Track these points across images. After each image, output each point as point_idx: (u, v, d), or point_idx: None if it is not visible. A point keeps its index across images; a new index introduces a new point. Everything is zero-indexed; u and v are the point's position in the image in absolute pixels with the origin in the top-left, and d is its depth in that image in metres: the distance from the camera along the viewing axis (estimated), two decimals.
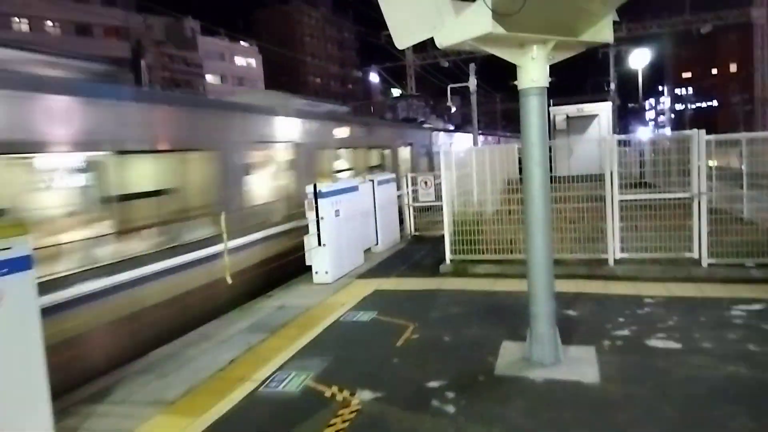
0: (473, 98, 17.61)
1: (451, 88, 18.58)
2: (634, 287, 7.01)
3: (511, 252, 8.23)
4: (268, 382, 4.75)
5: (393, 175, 11.56)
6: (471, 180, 10.10)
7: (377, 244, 10.61)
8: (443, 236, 8.61)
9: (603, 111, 22.27)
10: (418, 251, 10.37)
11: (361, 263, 9.42)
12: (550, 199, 4.79)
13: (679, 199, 7.66)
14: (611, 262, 7.79)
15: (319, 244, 8.24)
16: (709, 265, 7.38)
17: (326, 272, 8.27)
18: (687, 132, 7.76)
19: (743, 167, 8.12)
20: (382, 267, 9.32)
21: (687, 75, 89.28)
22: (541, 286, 4.78)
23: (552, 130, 23.01)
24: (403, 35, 4.52)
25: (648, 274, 7.49)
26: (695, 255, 7.54)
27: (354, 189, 9.25)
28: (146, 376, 5.10)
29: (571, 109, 22.56)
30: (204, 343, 5.95)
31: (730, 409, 3.80)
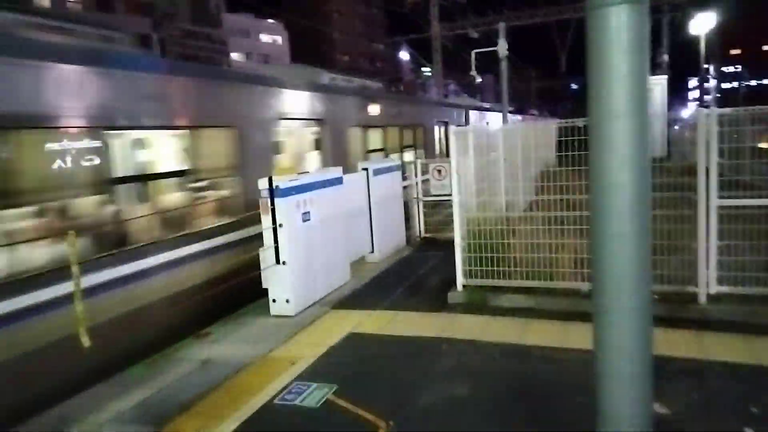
0: (503, 65, 14.80)
1: (476, 53, 15.79)
2: (747, 344, 4.44)
3: (552, 277, 5.70)
4: None
5: (396, 162, 9.06)
6: (497, 170, 7.56)
7: (372, 251, 8.19)
8: None
9: (657, 86, 19.10)
10: (424, 262, 7.90)
11: (344, 282, 7.01)
12: (649, 198, 2.28)
13: None
14: (703, 298, 5.21)
15: (278, 261, 5.87)
16: None
17: (287, 301, 5.90)
18: None
19: None
20: (371, 288, 6.89)
21: (735, 51, 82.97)
22: (627, 358, 2.31)
23: None
24: None
25: (763, 320, 4.88)
26: None
27: (334, 182, 6.81)
28: None
29: None
30: None
31: None
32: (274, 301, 5.95)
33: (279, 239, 5.81)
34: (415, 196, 9.55)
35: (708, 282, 5.21)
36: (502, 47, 14.55)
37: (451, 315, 5.63)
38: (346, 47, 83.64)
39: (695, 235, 5.19)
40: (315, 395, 4.03)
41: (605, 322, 2.38)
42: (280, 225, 5.78)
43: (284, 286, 5.89)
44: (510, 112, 17.90)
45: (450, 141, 6.05)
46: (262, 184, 5.78)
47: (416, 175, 9.55)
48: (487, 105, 25.40)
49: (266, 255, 5.88)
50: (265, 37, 74.94)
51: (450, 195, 9.40)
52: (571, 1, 29.65)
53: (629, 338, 2.32)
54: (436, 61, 31.04)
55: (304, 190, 6.10)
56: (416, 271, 7.48)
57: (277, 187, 5.72)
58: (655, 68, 25.37)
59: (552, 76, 62.60)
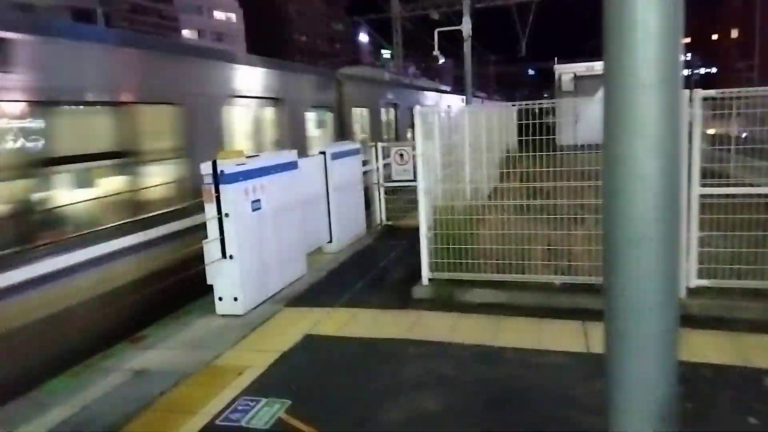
0: (467, 46, 14.33)
1: (439, 32, 15.23)
2: (732, 342, 4.16)
3: (524, 270, 5.31)
4: None
5: (357, 145, 8.50)
6: (461, 154, 7.12)
7: (331, 241, 7.64)
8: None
9: None
10: (386, 252, 7.41)
11: (300, 275, 6.46)
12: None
13: None
14: (682, 292, 4.92)
15: (224, 255, 5.25)
16: None
17: (235, 299, 5.31)
18: None
19: None
20: (329, 282, 6.36)
21: (686, 40, 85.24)
22: (649, 369, 1.87)
23: (556, 92, 19.93)
24: None
25: (745, 315, 4.63)
26: None
27: (288, 167, 6.21)
28: None
29: (580, 68, 19.39)
30: None
31: None
32: (220, 299, 5.34)
33: (225, 230, 5.19)
34: (376, 181, 9.03)
35: (687, 275, 4.92)
36: (466, 26, 14.08)
37: (416, 312, 5.16)
38: (304, 27, 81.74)
39: None
40: (264, 413, 3.49)
41: (626, 331, 1.90)
42: (226, 215, 5.16)
43: (232, 282, 5.29)
44: (476, 96, 17.46)
45: (415, 123, 5.53)
46: (205, 168, 5.14)
47: (377, 160, 9.02)
48: (445, 88, 24.91)
49: (211, 248, 5.25)
50: (218, 14, 72.29)
51: (413, 180, 9.00)
52: None
53: (655, 353, 1.86)
54: (396, 42, 30.37)
55: (253, 175, 5.48)
56: (378, 262, 6.98)
57: (222, 172, 5.08)
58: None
59: (511, 61, 62.83)
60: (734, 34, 77.77)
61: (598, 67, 19.57)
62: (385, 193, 9.08)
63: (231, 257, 5.24)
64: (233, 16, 74.35)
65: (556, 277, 5.26)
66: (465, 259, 5.42)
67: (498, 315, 4.97)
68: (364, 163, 8.96)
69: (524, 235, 5.40)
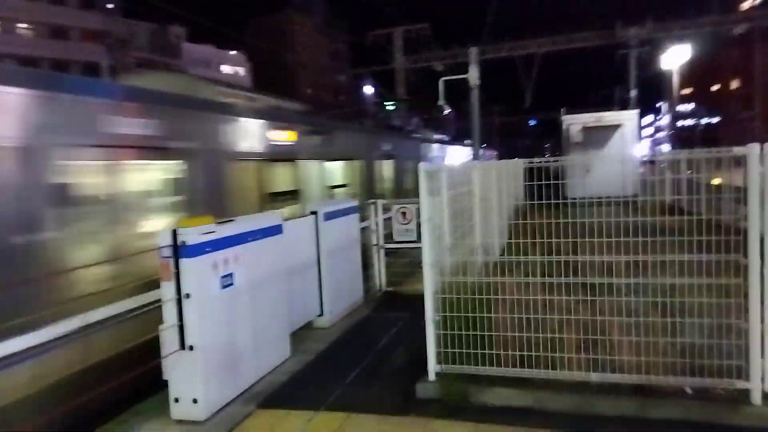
0: (474, 95, 13.66)
1: (445, 81, 14.61)
2: None
3: (553, 364, 4.28)
4: None
5: (353, 203, 7.60)
6: (471, 216, 6.21)
7: (322, 314, 6.63)
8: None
9: (628, 121, 18.43)
10: (386, 328, 6.38)
11: (281, 360, 5.42)
12: None
13: None
14: (758, 397, 3.88)
15: (183, 346, 4.26)
16: None
17: (194, 401, 4.27)
18: None
19: None
20: (317, 371, 5.31)
21: (687, 90, 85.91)
22: None
23: (565, 143, 19.24)
24: None
25: None
26: None
27: (271, 231, 5.28)
28: None
29: (589, 119, 18.76)
30: None
31: None
32: (176, 400, 4.30)
33: (185, 315, 4.22)
34: (375, 242, 8.09)
35: (764, 375, 3.89)
36: (473, 74, 13.45)
37: (422, 421, 4.09)
38: (309, 80, 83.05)
39: (746, 311, 3.89)
40: None
41: None
42: (187, 296, 4.20)
43: (191, 379, 4.27)
44: (485, 146, 16.70)
45: (420, 181, 4.64)
46: (163, 238, 4.21)
47: (376, 219, 8.11)
48: (447, 138, 24.33)
49: (167, 336, 4.26)
50: (226, 68, 73.57)
51: (416, 242, 8.07)
52: (534, 35, 29.44)
53: None
54: (400, 93, 30.14)
55: (224, 245, 4.55)
56: (376, 342, 5.95)
57: (183, 243, 4.15)
58: (624, 103, 24.98)
59: (511, 111, 63.02)
60: (735, 84, 78.45)
61: (608, 118, 18.99)
62: (386, 254, 8.13)
63: (191, 348, 4.24)
64: (241, 70, 75.77)
65: (592, 374, 4.22)
66: (481, 349, 4.39)
67: (525, 425, 3.91)
68: (362, 219, 8.04)
69: (553, 318, 4.40)
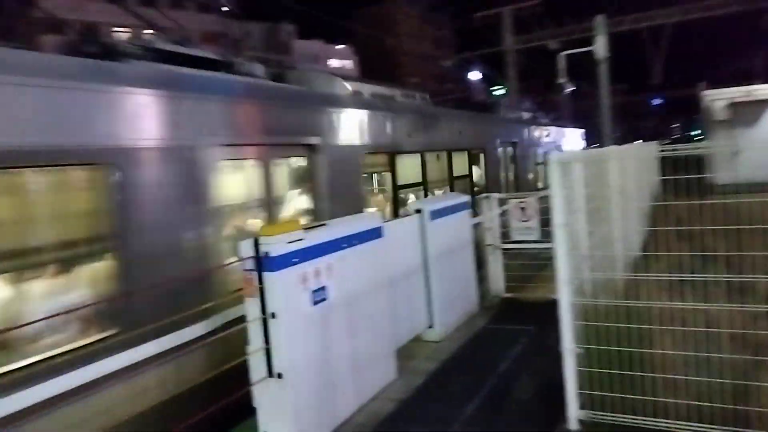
0: (603, 69, 12.01)
1: (567, 55, 13.05)
2: None
3: (742, 419, 3.13)
4: None
5: (463, 198, 6.69)
6: (608, 214, 5.10)
7: (431, 326, 5.83)
8: (555, 304, 3.61)
9: None
10: (508, 344, 5.44)
11: (386, 382, 4.70)
12: None
13: None
14: None
15: (270, 373, 3.66)
16: None
17: None
18: None
19: None
20: (428, 401, 4.51)
21: None
22: None
23: (706, 122, 16.78)
24: None
25: None
26: None
27: (368, 236, 4.56)
28: None
29: (737, 93, 16.14)
30: None
31: None
32: None
33: (271, 338, 3.61)
34: (491, 242, 7.13)
35: None
36: (600, 46, 11.79)
37: None
38: (414, 69, 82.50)
39: None
40: None
41: None
42: (272, 315, 3.59)
43: (281, 411, 3.66)
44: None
45: (551, 175, 3.65)
46: (245, 248, 3.63)
47: (491, 215, 7.14)
48: (565, 123, 22.24)
49: (254, 361, 3.69)
50: (334, 62, 75.10)
51: (538, 241, 7.01)
52: (662, 4, 26.33)
53: None
54: (511, 76, 28.39)
55: (315, 253, 3.89)
56: (496, 363, 5.03)
57: (266, 254, 3.54)
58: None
59: (633, 91, 57.88)
60: None
61: (763, 91, 16.22)
62: (505, 256, 7.13)
63: (279, 376, 3.63)
64: (348, 63, 76.94)
65: None
66: (641, 393, 3.35)
67: None
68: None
69: (746, 358, 3.24)
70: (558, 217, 3.60)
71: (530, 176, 12.78)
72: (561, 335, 3.60)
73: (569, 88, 13.80)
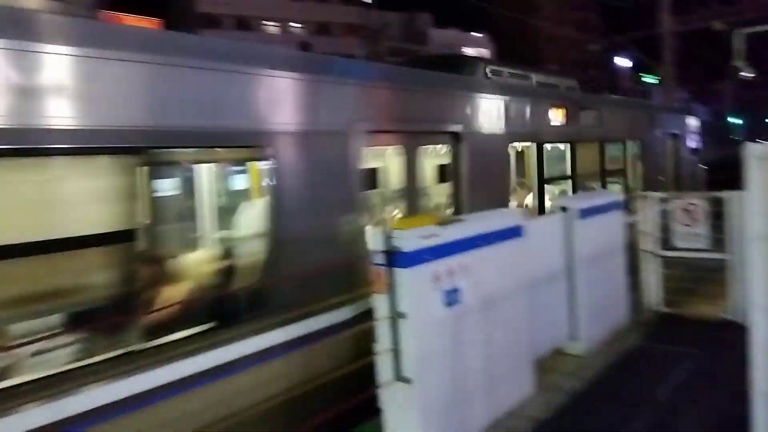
0: None
1: (748, 34, 11.24)
2: None
3: None
4: None
5: (616, 197, 5.92)
6: None
7: (574, 338, 5.22)
8: (729, 327, 2.93)
9: None
10: (667, 371, 4.67)
11: (522, 397, 4.24)
12: None
13: None
14: None
15: (398, 377, 3.39)
16: None
17: None
18: None
19: None
20: (570, 424, 3.99)
21: None
22: None
23: None
24: None
25: None
26: None
27: (507, 234, 4.11)
28: None
29: None
30: None
31: None
32: None
33: (400, 340, 3.35)
34: (647, 248, 6.26)
35: None
36: None
37: None
38: (555, 55, 78.35)
39: None
40: None
41: None
42: (403, 314, 3.32)
43: (408, 419, 3.39)
44: None
45: (749, 174, 2.94)
46: (375, 241, 3.39)
47: (648, 217, 6.26)
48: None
49: (381, 362, 3.46)
50: (470, 51, 73.85)
51: (708, 251, 6.03)
52: None
53: None
54: (667, 62, 25.56)
55: (450, 251, 3.54)
56: (653, 390, 4.34)
57: (398, 249, 3.27)
58: None
59: None
60: None
61: None
62: (664, 265, 6.24)
63: (407, 381, 3.36)
64: (485, 51, 75.27)
65: None
66: None
67: None
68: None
69: None
70: (756, 226, 2.89)
71: (693, 173, 11.28)
72: (749, 371, 2.90)
73: (749, 74, 11.78)
